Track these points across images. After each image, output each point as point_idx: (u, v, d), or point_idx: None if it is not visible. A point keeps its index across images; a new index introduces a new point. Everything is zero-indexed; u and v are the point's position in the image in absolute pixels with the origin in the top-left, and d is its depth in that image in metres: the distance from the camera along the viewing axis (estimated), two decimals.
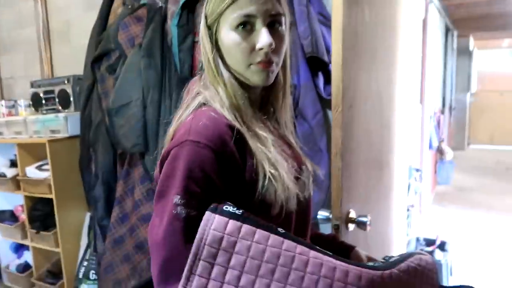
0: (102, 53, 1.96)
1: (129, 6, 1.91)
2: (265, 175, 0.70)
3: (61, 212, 2.25)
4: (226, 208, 0.65)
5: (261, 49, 0.72)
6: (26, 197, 2.39)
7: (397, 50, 1.58)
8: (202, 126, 0.70)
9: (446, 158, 5.22)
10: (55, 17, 2.64)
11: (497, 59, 8.89)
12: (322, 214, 1.09)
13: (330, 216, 1.05)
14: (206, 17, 0.77)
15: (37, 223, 2.39)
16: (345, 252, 0.91)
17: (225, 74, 0.76)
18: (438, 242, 2.53)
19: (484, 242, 3.62)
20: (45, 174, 2.26)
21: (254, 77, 0.75)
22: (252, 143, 0.72)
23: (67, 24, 2.59)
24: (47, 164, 2.23)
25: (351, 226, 1.06)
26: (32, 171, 2.34)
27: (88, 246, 2.33)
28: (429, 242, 2.54)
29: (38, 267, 2.50)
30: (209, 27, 0.77)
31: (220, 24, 0.75)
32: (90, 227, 2.33)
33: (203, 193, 0.67)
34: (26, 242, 2.47)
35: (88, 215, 2.39)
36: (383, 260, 0.73)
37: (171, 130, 0.78)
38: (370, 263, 0.71)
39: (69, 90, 2.34)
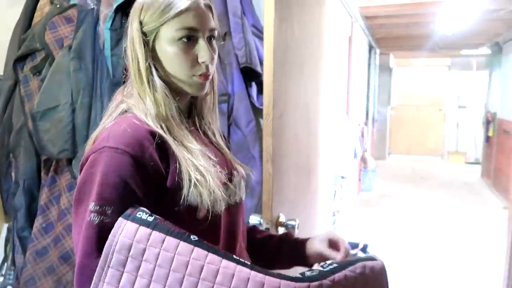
0: (26, 53, 1.85)
1: (58, 5, 1.83)
2: (190, 180, 0.72)
3: None
4: (139, 214, 0.65)
5: (203, 62, 0.77)
6: None
7: (323, 64, 1.70)
8: (121, 131, 0.71)
9: (369, 166, 5.61)
10: None
11: (414, 76, 9.75)
12: (253, 218, 1.14)
13: (261, 220, 1.10)
14: (141, 23, 0.78)
15: None
16: (301, 246, 0.91)
17: (158, 82, 0.77)
18: (360, 246, 2.71)
19: (403, 242, 3.94)
20: None
21: (194, 88, 0.79)
22: (178, 151, 0.74)
23: None
24: None
25: (281, 230, 1.12)
26: None
27: (4, 260, 2.16)
28: (353, 246, 2.71)
29: None
30: (144, 34, 0.78)
31: (160, 33, 0.77)
32: (7, 239, 2.16)
33: (119, 199, 0.67)
34: None
35: (5, 227, 2.21)
36: (320, 268, 0.69)
37: (93, 135, 0.78)
38: (297, 275, 0.67)
39: None
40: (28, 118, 1.79)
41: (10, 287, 2.09)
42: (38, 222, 1.78)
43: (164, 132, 0.74)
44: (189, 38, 0.76)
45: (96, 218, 0.65)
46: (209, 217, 0.74)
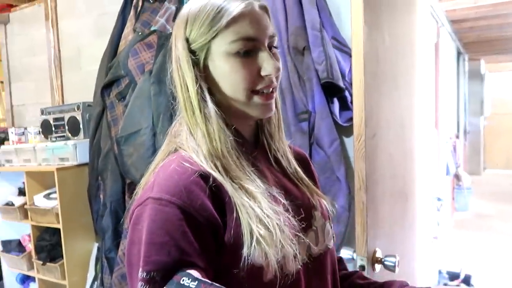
0: (112, 80, 1.93)
1: (140, 33, 1.89)
2: (252, 236, 0.58)
3: (68, 243, 2.18)
4: (183, 281, 0.53)
5: (267, 75, 0.64)
6: (34, 227, 2.33)
7: (416, 75, 1.52)
8: (166, 177, 0.60)
9: (464, 184, 5.08)
10: (66, 44, 2.65)
11: (510, 82, 8.79)
12: (345, 252, 1.00)
13: (354, 255, 0.96)
14: (188, 41, 0.66)
15: (44, 253, 2.32)
16: None
17: (212, 109, 0.64)
18: (462, 276, 2.38)
19: (509, 273, 3.44)
20: (53, 203, 2.21)
21: (256, 111, 0.67)
22: (236, 197, 0.60)
23: (78, 51, 2.59)
24: (55, 192, 2.18)
25: (378, 267, 0.97)
26: (40, 200, 2.29)
27: (95, 279, 2.25)
28: (453, 276, 2.39)
29: None
30: (193, 53, 0.66)
31: (211, 49, 0.65)
32: (97, 259, 2.25)
33: (169, 261, 0.55)
34: (33, 273, 2.39)
35: (95, 246, 2.31)
36: None
37: (142, 180, 0.67)
38: None
39: (79, 117, 2.31)
40: (114, 142, 1.86)
41: None
42: (123, 245, 1.81)
43: (219, 172, 0.62)
44: (248, 51, 0.64)
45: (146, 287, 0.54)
46: (279, 280, 0.60)
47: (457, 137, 5.47)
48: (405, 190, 1.27)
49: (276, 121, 0.74)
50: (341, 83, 1.59)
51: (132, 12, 2.11)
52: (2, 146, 2.57)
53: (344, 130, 1.62)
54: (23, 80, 2.94)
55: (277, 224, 0.60)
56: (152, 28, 1.85)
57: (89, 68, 2.45)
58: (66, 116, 2.37)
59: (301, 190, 0.73)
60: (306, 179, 0.75)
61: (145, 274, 0.54)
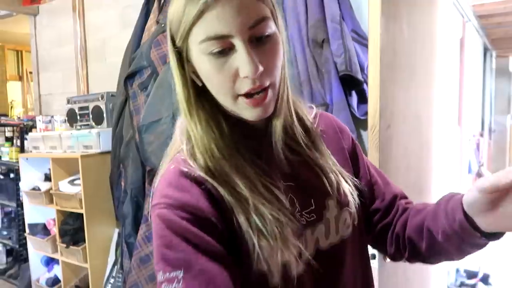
0: (135, 70, 1.98)
1: (162, 25, 1.93)
2: (253, 246, 0.56)
3: (90, 227, 2.26)
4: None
5: (246, 77, 0.55)
6: (58, 211, 2.43)
7: (435, 68, 1.50)
8: (166, 182, 0.59)
9: None
10: (92, 36, 2.73)
11: None
12: None
13: None
14: (172, 37, 0.59)
15: (67, 237, 2.41)
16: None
17: (202, 110, 0.60)
18: (480, 275, 2.35)
19: None
20: (77, 189, 2.29)
21: (245, 113, 0.59)
22: (234, 205, 0.57)
23: (103, 42, 2.66)
24: (79, 179, 2.26)
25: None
26: (64, 186, 2.38)
27: (115, 263, 2.32)
28: (471, 274, 2.36)
29: (66, 281, 2.51)
30: (177, 49, 0.58)
31: (190, 47, 0.57)
32: (117, 244, 2.33)
33: (184, 256, 0.54)
34: (56, 256, 2.49)
35: (116, 231, 2.39)
36: None
37: (159, 171, 0.65)
38: None
39: (103, 107, 2.39)
40: (135, 131, 1.91)
41: (120, 285, 2.24)
42: (142, 230, 1.87)
43: (216, 178, 0.58)
44: (221, 50, 0.54)
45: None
46: (285, 282, 0.58)
47: (481, 135, 5.34)
48: (419, 183, 1.27)
49: (288, 111, 0.65)
50: (359, 76, 1.59)
51: (155, 4, 2.15)
52: (30, 134, 2.68)
53: (362, 123, 1.62)
54: (50, 70, 3.04)
55: (278, 232, 0.57)
56: None
57: (113, 59, 2.51)
58: (91, 105, 2.44)
59: (318, 177, 0.66)
60: (328, 159, 0.67)
61: (167, 275, 0.53)
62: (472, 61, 4.52)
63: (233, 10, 0.53)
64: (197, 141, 0.60)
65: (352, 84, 1.61)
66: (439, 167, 1.51)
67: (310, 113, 0.72)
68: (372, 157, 0.94)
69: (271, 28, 0.56)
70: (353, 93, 1.63)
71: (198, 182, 0.58)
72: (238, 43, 0.54)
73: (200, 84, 0.60)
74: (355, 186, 0.69)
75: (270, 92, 0.58)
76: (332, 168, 0.67)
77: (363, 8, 1.65)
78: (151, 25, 2.11)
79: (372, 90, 0.94)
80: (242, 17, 0.53)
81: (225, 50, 0.54)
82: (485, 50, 5.98)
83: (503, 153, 7.72)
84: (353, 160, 0.74)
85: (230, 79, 0.56)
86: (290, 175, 0.64)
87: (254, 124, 0.63)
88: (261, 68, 0.54)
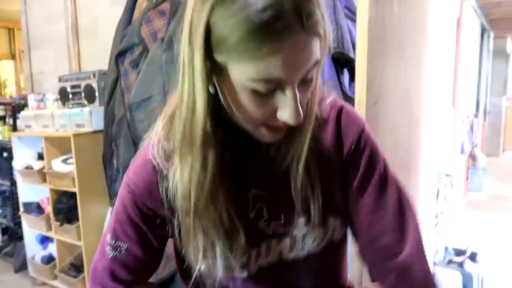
0: (125, 48, 1.96)
1: (153, 1, 1.90)
2: (196, 258, 0.62)
3: (84, 206, 2.27)
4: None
5: (282, 119, 0.52)
6: (52, 190, 2.43)
7: (427, 46, 1.49)
8: (135, 165, 0.66)
9: (479, 164, 5.00)
10: (83, 13, 2.68)
11: None
12: None
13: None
14: (208, 27, 0.48)
15: (61, 215, 2.43)
16: None
17: (205, 111, 0.54)
18: (468, 253, 2.39)
19: None
20: (70, 168, 2.29)
21: (260, 137, 0.57)
22: (184, 220, 0.61)
23: (94, 20, 2.62)
24: (71, 157, 2.26)
25: None
26: (57, 164, 2.38)
27: None
28: (459, 252, 2.40)
29: (61, 259, 2.54)
30: (209, 47, 0.49)
31: (230, 67, 0.50)
32: None
33: (130, 240, 0.66)
34: (51, 234, 2.51)
35: (110, 210, 2.40)
36: None
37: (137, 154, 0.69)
38: None
39: (95, 85, 2.37)
40: (127, 109, 1.90)
41: None
42: None
43: (173, 176, 0.60)
44: (267, 91, 0.50)
45: (110, 252, 0.67)
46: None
47: (476, 116, 5.35)
48: (407, 160, 1.28)
49: (303, 130, 0.59)
50: (351, 54, 1.57)
51: None
52: (22, 112, 2.66)
53: (353, 101, 1.62)
54: (42, 48, 3.00)
55: (220, 255, 0.60)
56: None
57: (105, 37, 2.47)
58: (83, 84, 2.42)
59: (290, 193, 0.62)
60: (314, 182, 0.62)
61: (113, 242, 0.66)
62: (469, 41, 4.48)
63: (300, 56, 0.48)
64: (180, 134, 0.57)
65: (343, 62, 1.59)
66: (429, 146, 1.52)
67: (325, 110, 0.65)
68: None
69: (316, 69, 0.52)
70: (345, 71, 1.62)
71: (164, 177, 0.61)
72: (288, 88, 0.50)
73: (212, 92, 0.53)
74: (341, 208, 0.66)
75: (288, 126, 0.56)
76: (313, 187, 0.62)
77: None
78: (142, 1, 2.08)
79: (359, 65, 0.94)
80: (303, 67, 0.49)
81: (274, 89, 0.51)
82: (483, 30, 5.93)
83: (498, 134, 7.76)
84: (347, 172, 0.66)
85: (264, 114, 0.53)
86: (268, 184, 0.63)
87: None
88: (301, 117, 0.52)
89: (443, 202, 2.75)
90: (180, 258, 0.73)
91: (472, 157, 4.97)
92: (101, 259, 0.69)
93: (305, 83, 0.52)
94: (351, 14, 1.63)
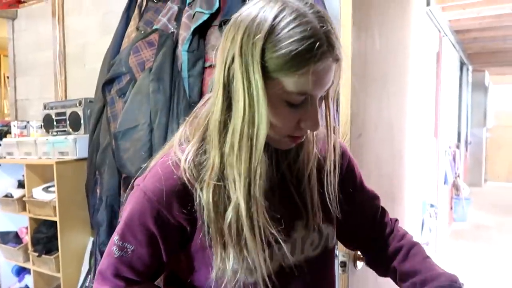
0: (113, 76, 1.97)
1: (142, 31, 1.93)
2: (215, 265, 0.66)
3: (64, 236, 2.21)
4: None
5: (305, 129, 0.64)
6: (31, 219, 2.36)
7: (408, 79, 1.54)
8: (156, 175, 0.67)
9: (462, 194, 5.07)
10: (71, 41, 2.70)
11: None
12: None
13: (337, 252, 0.98)
14: (264, 53, 0.58)
15: (40, 246, 2.35)
16: None
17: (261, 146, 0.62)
18: None
19: (504, 283, 3.43)
20: (51, 196, 2.24)
21: (280, 144, 0.67)
22: (208, 214, 0.64)
23: (82, 48, 2.63)
24: (53, 186, 2.21)
25: (360, 264, 0.99)
26: (38, 193, 2.32)
27: (88, 272, 2.27)
28: None
29: None
30: (266, 70, 0.59)
31: (275, 81, 0.60)
32: (92, 253, 2.28)
33: (140, 242, 0.67)
34: (28, 265, 2.42)
35: (91, 240, 2.34)
36: None
37: (152, 160, 0.73)
38: None
39: (80, 113, 2.35)
40: (112, 137, 1.89)
41: None
42: None
43: (200, 182, 0.65)
44: (297, 103, 0.61)
45: (117, 252, 0.69)
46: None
47: (458, 147, 5.47)
48: (392, 191, 1.29)
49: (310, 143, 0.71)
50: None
51: (136, 11, 2.15)
52: (4, 139, 2.62)
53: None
54: (28, 75, 2.99)
55: (250, 258, 0.64)
56: (154, 27, 1.89)
57: (93, 65, 2.49)
58: (68, 111, 2.41)
59: (293, 200, 0.71)
60: (310, 189, 0.72)
61: (120, 243, 0.68)
62: (448, 74, 4.64)
63: (327, 77, 0.60)
64: (214, 151, 0.63)
65: None
66: (413, 176, 1.54)
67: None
68: None
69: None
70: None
71: (184, 184, 0.65)
72: (313, 102, 0.61)
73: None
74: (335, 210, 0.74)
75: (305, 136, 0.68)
76: (311, 195, 0.72)
77: (334, 17, 1.69)
78: (131, 32, 2.11)
79: (343, 99, 0.96)
80: (328, 83, 0.61)
81: (302, 102, 0.61)
82: (462, 64, 6.16)
83: (479, 164, 7.92)
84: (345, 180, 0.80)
85: (289, 125, 0.63)
86: (271, 192, 0.68)
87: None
88: (320, 127, 0.63)
89: (428, 233, 2.76)
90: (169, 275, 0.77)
91: (455, 187, 5.04)
92: (107, 257, 0.71)
93: (321, 99, 0.65)
94: None
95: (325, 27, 0.58)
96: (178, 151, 0.68)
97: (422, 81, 2.63)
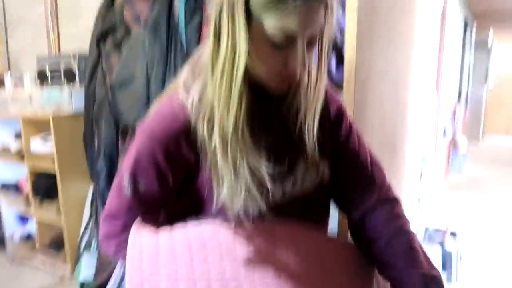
0: (108, 30, 1.90)
1: None
2: (218, 194, 0.69)
3: (64, 186, 2.22)
4: None
5: (289, 74, 0.65)
6: (30, 171, 2.37)
7: (414, 35, 1.49)
8: (162, 116, 0.70)
9: (460, 148, 5.10)
10: None
11: None
12: None
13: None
14: (250, 3, 0.61)
15: (41, 195, 2.38)
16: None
17: (240, 74, 0.64)
18: (448, 232, 2.45)
19: (496, 232, 3.54)
20: (49, 148, 2.23)
21: (272, 85, 0.68)
22: (214, 159, 0.67)
23: (76, 1, 2.53)
24: (50, 135, 2.19)
25: None
26: (36, 144, 2.31)
27: (90, 218, 2.31)
28: (439, 232, 2.47)
29: (41, 237, 2.50)
30: (248, 11, 0.61)
31: (260, 22, 0.62)
32: (92, 200, 2.31)
33: (150, 176, 0.71)
34: (30, 211, 2.45)
35: (91, 189, 2.36)
36: None
37: (155, 105, 0.75)
38: None
39: (75, 67, 2.29)
40: (108, 90, 1.85)
41: (94, 242, 2.24)
42: None
43: (207, 127, 0.67)
44: (282, 44, 0.63)
45: (128, 191, 0.72)
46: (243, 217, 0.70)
47: (458, 102, 5.44)
48: (394, 142, 1.28)
49: (312, 93, 0.71)
50: (337, 39, 1.56)
51: None
52: None
53: (341, 88, 1.61)
54: (20, 28, 2.88)
55: (244, 187, 0.67)
56: None
57: (87, 19, 2.39)
58: (62, 66, 2.34)
59: (296, 142, 0.74)
60: (312, 139, 0.74)
61: (131, 182, 0.71)
62: (452, 32, 4.52)
63: (312, 18, 0.61)
64: (211, 90, 0.66)
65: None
66: (414, 130, 1.53)
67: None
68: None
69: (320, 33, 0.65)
70: (332, 56, 1.61)
71: (188, 125, 0.67)
72: (299, 42, 0.62)
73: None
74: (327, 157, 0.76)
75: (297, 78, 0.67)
76: (312, 137, 0.73)
77: None
78: None
79: (349, 51, 0.93)
80: (313, 25, 0.62)
81: (288, 43, 0.62)
82: (466, 23, 5.99)
83: (478, 121, 7.93)
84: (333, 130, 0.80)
85: (276, 67, 0.65)
86: (272, 129, 0.72)
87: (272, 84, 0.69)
88: (305, 69, 0.66)
89: (426, 183, 2.80)
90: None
91: (454, 142, 5.06)
92: (115, 198, 0.75)
93: (310, 45, 0.65)
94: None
95: None
96: (183, 91, 0.70)
97: (427, 38, 2.55)
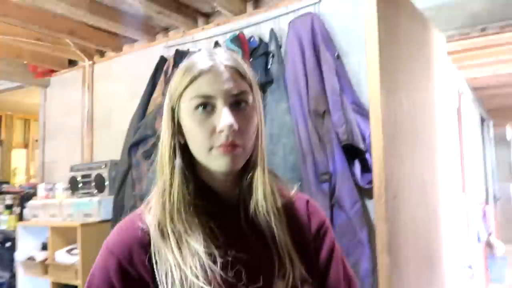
0: (139, 139, 2.02)
1: None
2: None
3: None
4: None
5: (221, 131, 0.63)
6: (53, 283, 2.32)
7: (437, 137, 1.52)
8: (117, 229, 0.69)
9: (497, 253, 4.79)
10: (99, 105, 2.81)
11: None
12: None
13: None
14: (169, 98, 0.69)
15: None
16: None
17: (178, 163, 0.67)
18: None
19: None
20: (74, 259, 2.21)
21: (215, 163, 0.65)
22: (172, 258, 0.63)
23: (109, 112, 2.73)
24: (76, 248, 2.19)
25: None
26: (61, 255, 2.30)
27: None
28: None
29: None
30: (172, 109, 0.68)
31: (180, 105, 0.67)
32: None
33: None
34: None
35: None
36: None
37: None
38: None
39: (105, 175, 2.39)
40: (137, 199, 1.89)
41: None
42: None
43: (163, 234, 0.65)
44: (206, 106, 0.65)
45: None
46: None
47: (487, 203, 5.26)
48: (430, 255, 1.22)
49: (258, 176, 0.69)
50: (361, 145, 1.61)
51: (162, 77, 2.25)
52: (30, 201, 2.65)
53: (366, 192, 1.61)
54: (56, 138, 3.09)
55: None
56: None
57: (119, 128, 2.56)
58: (93, 173, 2.44)
59: (271, 256, 0.68)
60: (287, 242, 0.70)
61: None
62: (470, 130, 4.59)
63: (220, 79, 0.65)
64: (162, 194, 0.67)
65: (354, 153, 1.62)
66: (448, 237, 1.47)
67: (289, 191, 0.76)
68: (380, 229, 0.91)
69: (249, 100, 0.67)
70: (356, 162, 1.64)
71: (146, 234, 0.65)
72: (220, 104, 0.64)
73: (182, 142, 0.68)
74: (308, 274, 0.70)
75: (239, 149, 0.65)
76: (289, 251, 0.69)
77: (362, 81, 1.72)
78: (157, 97, 2.19)
79: (376, 161, 0.94)
80: (227, 85, 0.65)
81: (208, 107, 0.65)
82: (482, 120, 6.11)
83: (510, 220, 7.55)
84: (314, 247, 0.75)
85: (207, 133, 0.64)
86: (245, 247, 0.67)
87: (221, 188, 0.70)
88: (235, 126, 0.64)
89: None
90: None
91: (489, 245, 4.78)
92: None
93: (238, 106, 0.66)
94: (359, 109, 1.70)
95: (213, 56, 0.67)
96: (145, 203, 0.70)
97: (448, 138, 2.60)
